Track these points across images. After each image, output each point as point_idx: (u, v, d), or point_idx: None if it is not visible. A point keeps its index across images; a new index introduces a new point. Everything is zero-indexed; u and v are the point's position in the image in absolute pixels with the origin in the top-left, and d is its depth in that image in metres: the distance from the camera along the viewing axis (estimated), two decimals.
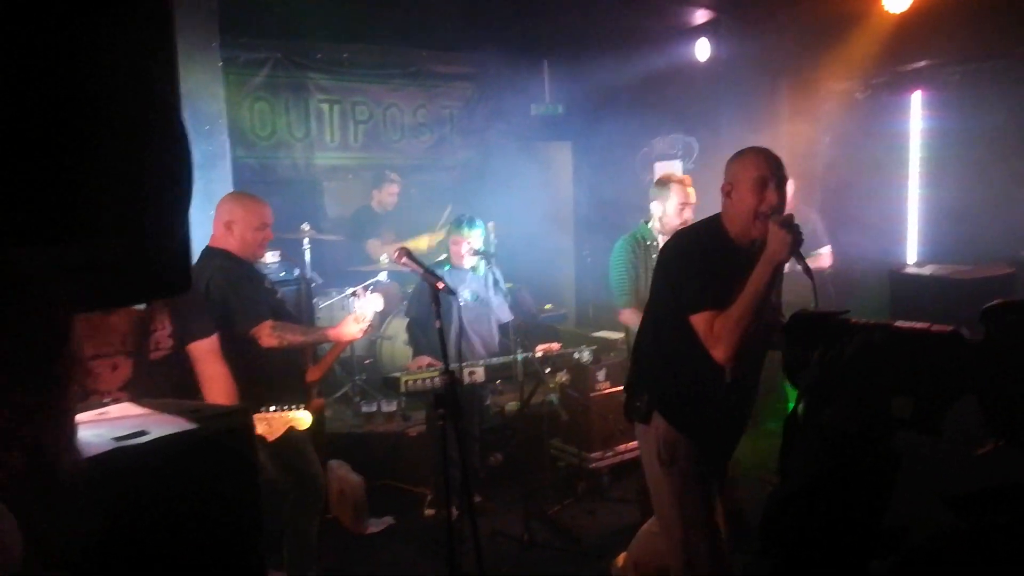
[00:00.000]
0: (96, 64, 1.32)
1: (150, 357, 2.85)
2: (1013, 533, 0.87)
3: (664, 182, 4.20)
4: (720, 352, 2.51)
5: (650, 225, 4.21)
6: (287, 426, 3.08)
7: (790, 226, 2.48)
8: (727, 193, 2.67)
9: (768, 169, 2.62)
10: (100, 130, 1.32)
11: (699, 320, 2.54)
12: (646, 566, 3.21)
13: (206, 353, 2.97)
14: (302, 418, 3.10)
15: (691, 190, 4.13)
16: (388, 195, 6.77)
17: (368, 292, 3.78)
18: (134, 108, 1.39)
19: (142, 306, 2.68)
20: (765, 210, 2.56)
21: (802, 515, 0.99)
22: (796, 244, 2.47)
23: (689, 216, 4.07)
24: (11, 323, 0.94)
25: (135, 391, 2.77)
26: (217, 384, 2.98)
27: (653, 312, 2.84)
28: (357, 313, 3.61)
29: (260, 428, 3.00)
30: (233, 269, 3.37)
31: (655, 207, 4.20)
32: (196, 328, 2.95)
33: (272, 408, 3.07)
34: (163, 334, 2.88)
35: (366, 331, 3.70)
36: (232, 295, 3.27)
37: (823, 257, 5.23)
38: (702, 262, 2.63)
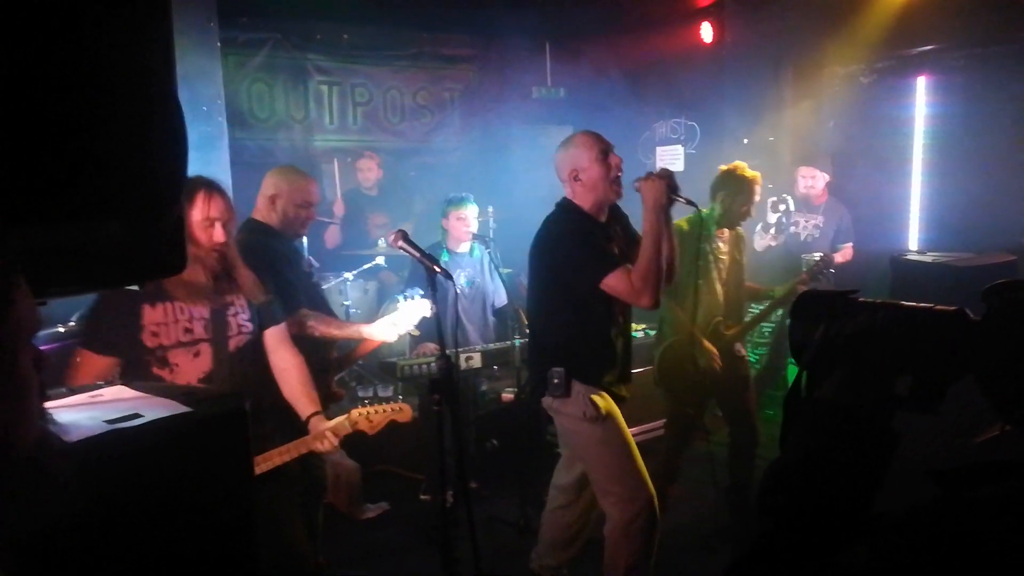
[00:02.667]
0: (90, 45, 1.29)
1: (234, 342, 2.69)
2: (1007, 507, 0.87)
3: (740, 178, 3.86)
4: (646, 299, 2.83)
5: (705, 215, 3.71)
6: (388, 420, 2.94)
7: (660, 174, 2.88)
8: (574, 177, 2.98)
9: (602, 142, 2.98)
10: (94, 111, 1.30)
11: (612, 281, 2.84)
12: (561, 540, 3.34)
13: (279, 342, 2.84)
14: (404, 411, 2.98)
15: (759, 188, 3.94)
16: (359, 171, 6.61)
17: (416, 297, 3.37)
18: (129, 89, 1.37)
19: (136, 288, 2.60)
20: (616, 173, 2.97)
21: (795, 486, 0.99)
22: (672, 187, 2.86)
23: (751, 215, 3.96)
24: None
25: (219, 382, 2.62)
26: (291, 374, 2.83)
27: (541, 300, 3.11)
28: (398, 319, 3.34)
29: (362, 425, 2.87)
30: (272, 247, 3.26)
31: (723, 198, 3.90)
32: (271, 314, 2.83)
33: (367, 402, 2.96)
34: (243, 317, 2.73)
35: (401, 336, 3.47)
36: (269, 278, 2.96)
37: (847, 250, 5.24)
38: (582, 238, 2.93)
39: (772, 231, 4.85)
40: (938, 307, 1.02)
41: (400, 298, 3.42)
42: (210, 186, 2.64)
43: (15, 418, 0.97)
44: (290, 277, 3.25)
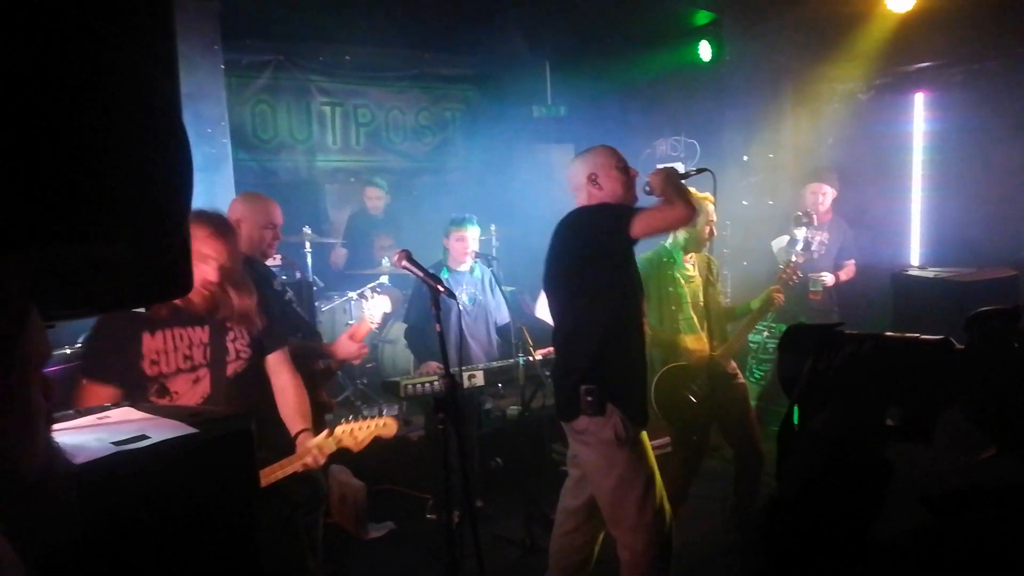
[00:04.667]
0: (95, 67, 1.31)
1: (232, 367, 2.74)
2: (990, 531, 0.87)
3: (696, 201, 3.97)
4: (679, 205, 2.77)
5: (669, 244, 3.99)
6: (373, 436, 2.98)
7: (655, 170, 2.99)
8: (592, 180, 2.97)
9: (621, 155, 3.04)
10: (99, 133, 1.31)
11: (640, 217, 2.77)
12: (572, 565, 3.26)
13: (280, 364, 2.90)
14: (389, 425, 3.02)
15: (712, 208, 3.96)
16: (369, 200, 6.74)
17: (375, 294, 3.72)
18: (135, 112, 1.38)
19: (142, 310, 2.61)
20: (634, 177, 3.03)
21: (792, 519, 0.99)
22: (666, 168, 2.97)
23: (714, 235, 3.98)
24: None
25: (217, 405, 2.65)
26: (292, 392, 2.90)
27: (566, 312, 2.99)
28: (366, 314, 3.59)
29: (346, 441, 2.90)
30: None
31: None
32: (274, 338, 2.89)
33: (351, 417, 2.99)
34: (242, 343, 2.77)
35: (362, 354, 3.70)
36: None
37: (849, 268, 5.24)
38: (599, 211, 2.92)
39: (799, 247, 4.84)
40: (922, 337, 1.02)
41: (363, 299, 3.58)
42: (203, 221, 2.62)
43: (23, 446, 0.97)
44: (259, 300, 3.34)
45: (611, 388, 2.87)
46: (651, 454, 2.97)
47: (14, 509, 0.98)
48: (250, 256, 3.46)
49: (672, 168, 2.98)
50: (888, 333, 1.06)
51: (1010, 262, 4.45)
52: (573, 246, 2.94)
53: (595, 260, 2.87)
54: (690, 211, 2.80)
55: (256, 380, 2.84)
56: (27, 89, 1.18)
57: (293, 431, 2.86)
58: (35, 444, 0.99)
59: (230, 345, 2.74)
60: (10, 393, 0.94)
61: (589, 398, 2.86)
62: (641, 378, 3.02)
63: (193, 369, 2.64)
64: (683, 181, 2.94)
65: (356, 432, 2.92)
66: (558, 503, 3.32)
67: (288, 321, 3.55)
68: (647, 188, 3.00)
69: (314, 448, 2.79)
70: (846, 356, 1.04)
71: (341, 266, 6.48)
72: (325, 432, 2.88)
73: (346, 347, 3.58)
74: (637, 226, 2.77)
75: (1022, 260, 4.41)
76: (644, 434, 2.97)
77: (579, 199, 3.05)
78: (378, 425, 3.00)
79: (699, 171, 3.08)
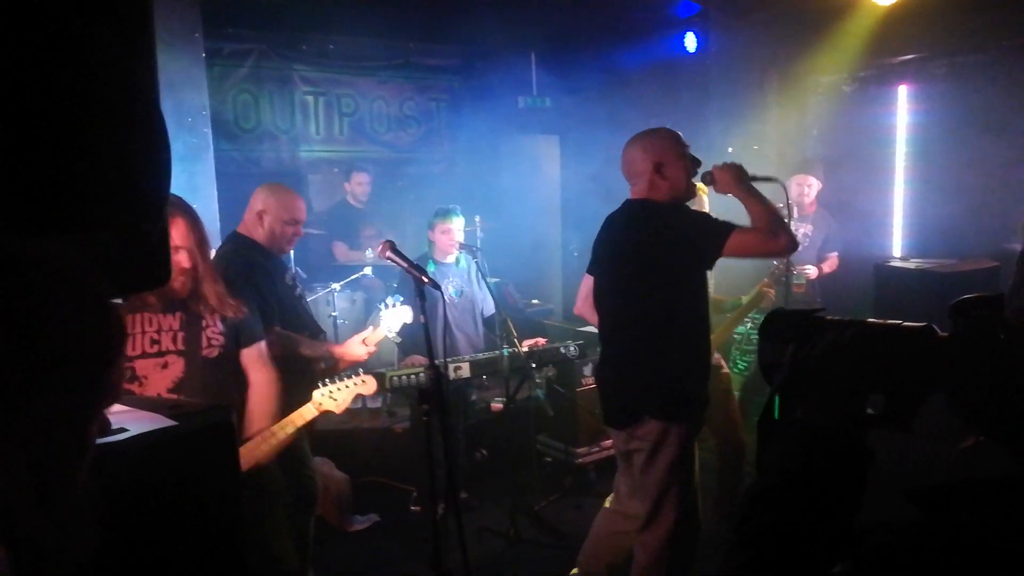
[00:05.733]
0: (72, 56, 1.28)
1: (204, 354, 2.68)
2: (977, 527, 0.87)
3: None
4: (783, 239, 2.68)
5: None
6: (354, 395, 2.95)
7: (722, 164, 2.89)
8: (658, 170, 2.82)
9: (682, 137, 2.93)
10: (76, 124, 1.28)
11: (737, 239, 2.67)
12: (620, 564, 3.23)
13: (255, 360, 2.83)
14: (369, 382, 2.96)
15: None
16: (358, 185, 6.64)
17: (397, 304, 3.53)
18: (111, 100, 1.36)
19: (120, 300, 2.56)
20: (696, 168, 2.89)
21: (774, 510, 0.98)
22: (735, 164, 2.87)
23: None
24: (69, 319, 0.93)
25: (188, 392, 2.62)
26: (259, 390, 2.83)
27: (648, 309, 2.82)
28: (380, 326, 3.47)
29: (327, 405, 2.86)
30: (256, 262, 3.30)
31: None
32: (249, 332, 2.82)
33: (327, 380, 2.93)
34: (214, 331, 2.72)
35: (372, 352, 3.56)
36: (249, 294, 3.03)
37: (832, 260, 5.26)
38: (687, 216, 2.81)
39: None
40: (905, 324, 1.01)
41: (382, 305, 3.50)
42: (171, 208, 2.59)
43: (87, 452, 0.98)
44: (268, 295, 3.26)
45: (682, 396, 2.80)
46: (696, 467, 2.93)
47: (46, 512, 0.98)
48: (267, 248, 3.39)
49: (741, 166, 2.84)
50: (870, 320, 1.05)
51: (992, 253, 4.49)
52: (654, 248, 2.77)
53: (679, 268, 2.76)
54: (793, 245, 2.71)
55: (232, 371, 2.80)
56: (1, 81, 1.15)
57: (249, 432, 2.79)
58: (85, 463, 0.99)
59: (202, 333, 2.70)
60: (82, 418, 0.93)
61: (661, 402, 2.78)
62: (705, 387, 2.92)
63: (160, 355, 2.60)
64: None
65: (335, 394, 2.89)
66: (614, 499, 3.26)
67: (299, 319, 3.47)
68: (709, 178, 2.87)
69: (288, 422, 2.80)
70: (828, 343, 1.03)
71: (342, 259, 6.40)
72: (308, 404, 2.86)
73: (355, 350, 3.44)
74: (732, 247, 2.68)
75: (1003, 251, 4.44)
76: (695, 445, 2.93)
77: (636, 186, 2.89)
78: (357, 383, 2.94)
79: (767, 179, 2.93)
